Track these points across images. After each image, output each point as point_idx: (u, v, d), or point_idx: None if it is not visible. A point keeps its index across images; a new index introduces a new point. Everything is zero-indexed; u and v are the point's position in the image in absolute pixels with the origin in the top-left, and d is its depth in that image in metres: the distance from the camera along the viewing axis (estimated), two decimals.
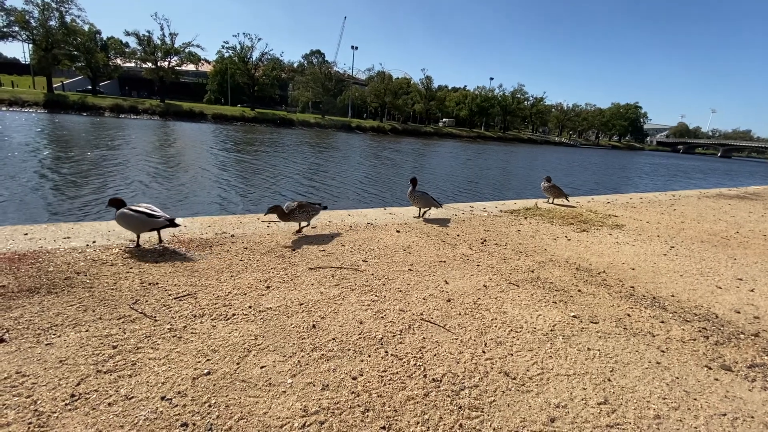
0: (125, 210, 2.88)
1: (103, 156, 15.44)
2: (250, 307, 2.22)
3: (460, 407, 1.55)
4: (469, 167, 23.93)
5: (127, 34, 52.86)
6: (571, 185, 18.47)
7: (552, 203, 6.51)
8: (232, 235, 3.45)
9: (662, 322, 2.46)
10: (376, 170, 18.84)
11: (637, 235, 4.69)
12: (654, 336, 2.26)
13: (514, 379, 1.75)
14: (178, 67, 57.00)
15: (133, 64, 56.40)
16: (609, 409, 1.61)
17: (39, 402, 1.40)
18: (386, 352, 1.88)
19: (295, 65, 69.55)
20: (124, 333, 1.85)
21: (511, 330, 2.18)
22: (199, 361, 1.70)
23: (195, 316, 2.07)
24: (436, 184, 16.21)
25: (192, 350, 1.77)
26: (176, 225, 2.99)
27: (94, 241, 3.01)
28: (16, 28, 44.32)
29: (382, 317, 2.21)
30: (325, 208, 3.88)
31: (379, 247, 3.46)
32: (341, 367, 1.74)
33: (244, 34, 68.78)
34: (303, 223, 3.78)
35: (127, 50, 54.79)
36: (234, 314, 2.12)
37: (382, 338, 1.99)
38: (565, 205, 6.41)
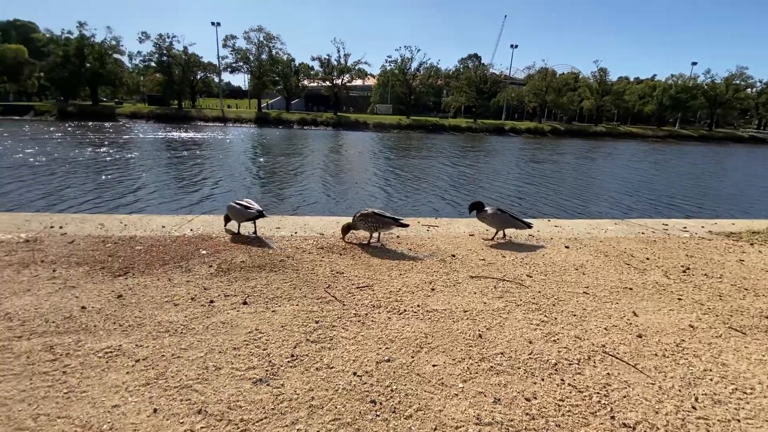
0: (231, 202, 3.51)
1: (299, 162, 18.96)
2: (418, 305, 2.37)
3: None
4: (656, 174, 19.81)
5: (313, 59, 63.65)
6: None
7: None
8: (398, 237, 3.75)
9: None
10: (531, 177, 17.52)
11: None
12: None
13: None
14: (348, 83, 65.37)
15: (315, 84, 67.42)
16: None
17: (271, 355, 1.82)
18: (562, 380, 1.74)
19: (452, 71, 70.63)
20: (323, 311, 2.24)
21: (736, 389, 1.71)
22: (380, 348, 1.91)
23: (374, 306, 2.34)
24: (606, 193, 14.02)
25: (373, 336, 2.01)
26: (264, 216, 3.42)
27: (295, 232, 3.72)
28: (241, 63, 59.34)
29: (554, 341, 2.05)
30: (404, 226, 3.48)
31: (544, 263, 3.21)
32: (512, 384, 1.69)
33: (405, 47, 73.53)
34: (374, 234, 3.56)
35: (311, 72, 65.95)
36: (405, 310, 2.31)
37: (556, 364, 1.85)
38: None
